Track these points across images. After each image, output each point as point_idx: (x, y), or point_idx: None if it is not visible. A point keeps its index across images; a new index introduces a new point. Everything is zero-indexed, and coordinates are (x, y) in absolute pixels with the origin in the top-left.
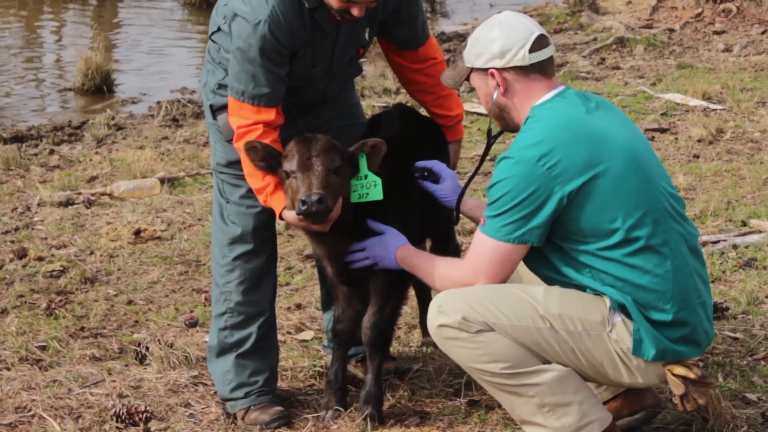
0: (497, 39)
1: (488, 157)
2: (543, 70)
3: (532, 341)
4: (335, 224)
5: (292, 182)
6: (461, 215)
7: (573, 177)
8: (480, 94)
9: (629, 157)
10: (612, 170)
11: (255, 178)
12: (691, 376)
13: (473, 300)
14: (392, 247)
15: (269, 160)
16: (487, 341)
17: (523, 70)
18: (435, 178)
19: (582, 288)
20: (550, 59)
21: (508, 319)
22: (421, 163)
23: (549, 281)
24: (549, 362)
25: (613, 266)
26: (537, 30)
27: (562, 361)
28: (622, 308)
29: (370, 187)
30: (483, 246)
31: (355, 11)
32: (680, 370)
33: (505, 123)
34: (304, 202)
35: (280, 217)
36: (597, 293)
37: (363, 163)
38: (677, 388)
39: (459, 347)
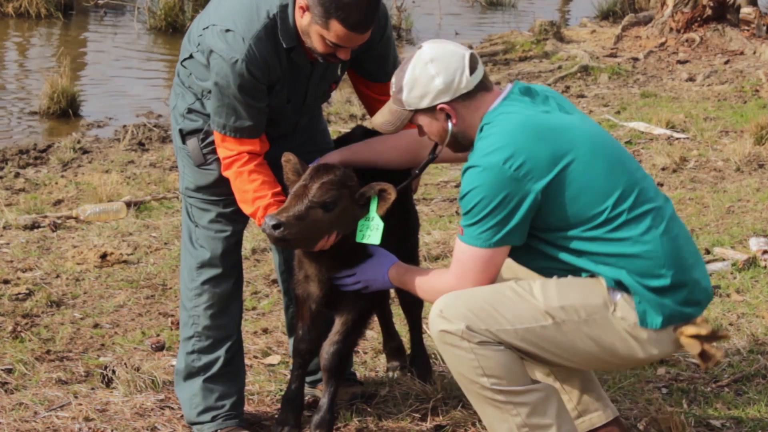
0: (436, 75)
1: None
2: (484, 86)
3: (539, 341)
4: (333, 249)
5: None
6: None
7: (542, 174)
8: (430, 131)
9: (592, 141)
10: (579, 158)
11: (245, 203)
12: (703, 332)
13: (475, 306)
14: (385, 267)
15: (297, 176)
16: (486, 356)
17: (469, 95)
18: None
19: (577, 272)
20: (485, 72)
21: (511, 323)
22: None
23: (542, 272)
24: (554, 366)
25: (602, 245)
26: (464, 50)
27: (572, 356)
28: (619, 285)
29: (372, 230)
30: (464, 254)
31: (341, 54)
32: (691, 330)
33: (460, 146)
34: (265, 222)
35: None
36: (592, 275)
37: (373, 205)
38: (693, 348)
39: (456, 355)
